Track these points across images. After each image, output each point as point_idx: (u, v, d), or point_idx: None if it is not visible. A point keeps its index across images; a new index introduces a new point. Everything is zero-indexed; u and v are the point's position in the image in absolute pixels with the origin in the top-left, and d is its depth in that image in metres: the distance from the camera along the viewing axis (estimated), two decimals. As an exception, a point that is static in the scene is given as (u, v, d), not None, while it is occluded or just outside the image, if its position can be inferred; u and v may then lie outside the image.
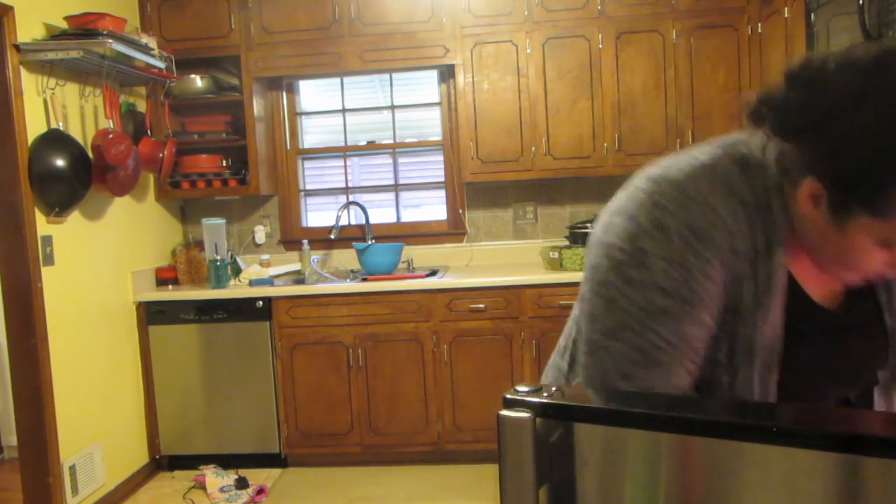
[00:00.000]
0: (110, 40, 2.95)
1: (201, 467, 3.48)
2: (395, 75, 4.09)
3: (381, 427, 3.54)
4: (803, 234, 0.90)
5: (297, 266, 3.97)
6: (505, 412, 0.77)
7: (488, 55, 3.62)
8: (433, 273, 3.73)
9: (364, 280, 3.63)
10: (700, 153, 0.93)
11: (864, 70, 0.78)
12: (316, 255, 3.98)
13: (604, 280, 0.90)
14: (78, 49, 2.89)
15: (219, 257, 3.65)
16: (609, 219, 0.93)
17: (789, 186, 0.88)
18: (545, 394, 0.78)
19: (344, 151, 4.21)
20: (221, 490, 3.28)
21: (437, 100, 4.08)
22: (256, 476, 3.51)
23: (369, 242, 3.86)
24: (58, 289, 3.00)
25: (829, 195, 0.83)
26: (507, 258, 4.00)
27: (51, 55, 2.87)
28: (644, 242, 0.87)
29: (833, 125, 0.79)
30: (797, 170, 0.86)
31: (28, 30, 2.88)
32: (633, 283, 0.87)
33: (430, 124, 4.14)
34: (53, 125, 3.01)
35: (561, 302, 3.38)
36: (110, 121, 3.17)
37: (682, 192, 0.88)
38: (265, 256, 4.01)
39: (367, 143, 4.21)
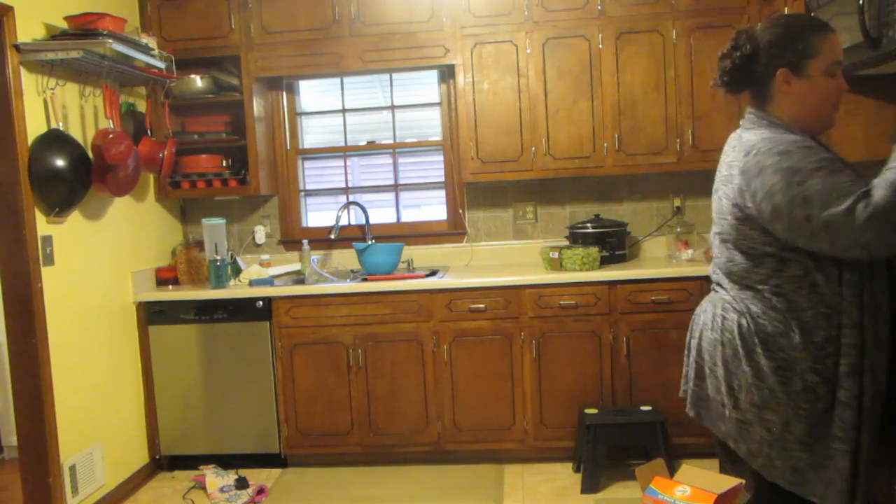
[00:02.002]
0: (110, 40, 2.95)
1: (201, 467, 3.48)
2: (395, 75, 4.09)
3: (381, 427, 3.54)
4: (802, 117, 1.67)
5: (297, 266, 3.97)
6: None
7: (488, 55, 3.62)
8: (433, 273, 3.73)
9: (364, 280, 3.63)
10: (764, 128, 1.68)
11: (768, 22, 1.72)
12: (316, 255, 3.98)
13: (779, 181, 1.54)
14: (78, 49, 2.89)
15: (219, 257, 3.65)
16: (755, 158, 1.59)
17: (773, 101, 1.69)
18: None
19: (344, 151, 4.21)
20: (221, 490, 3.28)
21: (437, 100, 4.08)
22: (256, 476, 3.51)
23: (369, 242, 3.86)
24: (58, 289, 3.00)
25: (790, 68, 1.64)
26: (507, 258, 4.01)
27: (51, 55, 2.87)
28: (794, 160, 1.55)
29: (758, 52, 1.67)
30: (770, 81, 1.67)
31: (28, 30, 2.88)
32: (812, 173, 1.51)
33: (430, 124, 4.14)
34: (53, 125, 3.01)
35: (561, 302, 3.38)
36: (110, 121, 3.17)
37: (787, 142, 1.60)
38: (265, 256, 4.01)
39: (367, 143, 4.21)
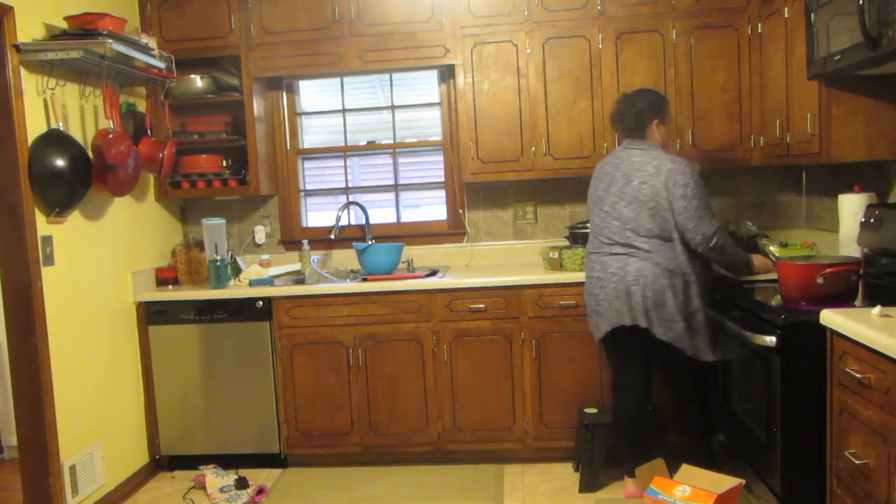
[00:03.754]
0: (110, 40, 2.95)
1: (201, 467, 3.48)
2: (395, 75, 4.09)
3: (381, 427, 3.54)
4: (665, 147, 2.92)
5: (297, 266, 3.97)
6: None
7: (488, 55, 3.62)
8: (433, 273, 3.73)
9: (364, 280, 3.63)
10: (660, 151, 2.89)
11: (637, 92, 2.99)
12: (316, 255, 3.98)
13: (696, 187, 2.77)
14: (78, 49, 2.89)
15: (219, 257, 3.65)
16: (681, 167, 2.77)
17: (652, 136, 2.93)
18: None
19: (344, 151, 4.21)
20: (221, 490, 3.29)
21: (437, 100, 4.08)
22: (256, 476, 3.51)
23: (369, 242, 3.86)
24: (58, 289, 3.00)
25: (661, 121, 2.91)
26: (507, 258, 4.01)
27: (51, 55, 2.87)
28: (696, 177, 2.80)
29: (645, 107, 2.90)
30: (650, 127, 2.91)
31: (28, 30, 2.88)
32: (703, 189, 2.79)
33: (430, 124, 4.15)
34: (53, 125, 3.01)
35: (561, 302, 3.38)
36: (110, 121, 3.17)
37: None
38: (265, 256, 4.01)
39: (367, 143, 4.21)
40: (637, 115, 2.87)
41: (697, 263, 2.84)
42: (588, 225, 3.69)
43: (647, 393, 3.01)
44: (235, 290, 3.58)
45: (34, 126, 2.90)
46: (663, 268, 2.77)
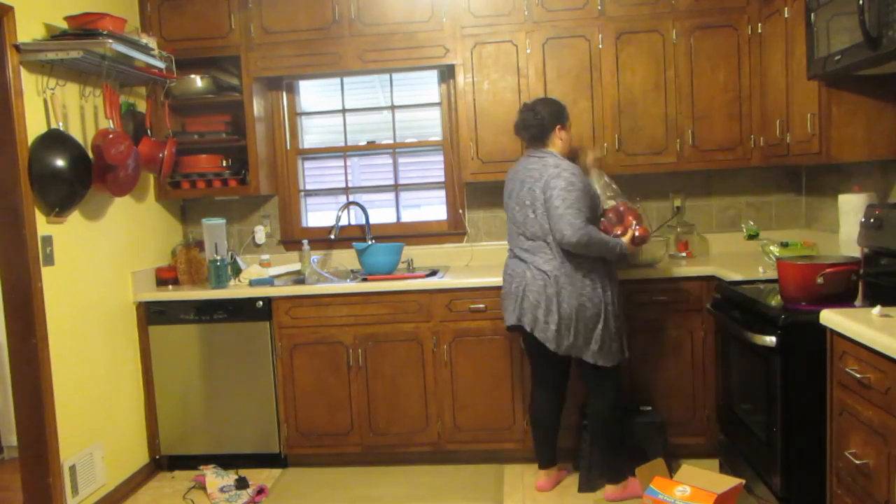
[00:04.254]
0: (110, 40, 2.95)
1: (201, 467, 3.48)
2: (395, 75, 4.09)
3: (382, 427, 3.54)
4: (564, 153, 3.05)
5: (297, 266, 3.96)
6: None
7: (488, 55, 3.62)
8: (433, 273, 3.73)
9: (364, 280, 3.63)
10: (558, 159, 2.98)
11: (538, 100, 3.10)
12: (316, 256, 3.98)
13: (567, 189, 2.83)
14: (78, 49, 2.89)
15: (219, 257, 3.65)
16: (560, 171, 2.87)
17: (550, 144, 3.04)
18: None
19: (344, 151, 4.21)
20: (221, 490, 3.29)
21: (437, 100, 4.08)
22: (256, 476, 3.51)
23: (369, 242, 3.86)
24: (58, 289, 3.00)
25: (562, 126, 3.03)
26: (507, 258, 4.00)
27: (51, 55, 2.87)
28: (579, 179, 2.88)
29: (548, 115, 3.01)
30: (553, 133, 3.02)
31: (28, 30, 2.88)
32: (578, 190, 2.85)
33: (430, 124, 4.14)
34: (53, 125, 3.01)
35: (561, 302, 3.38)
36: (110, 121, 3.17)
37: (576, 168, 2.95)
38: (265, 256, 4.01)
39: (367, 143, 4.21)
40: (541, 122, 2.99)
41: (577, 262, 2.87)
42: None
43: (563, 392, 3.15)
44: (235, 290, 3.58)
45: (34, 126, 2.90)
46: (541, 270, 2.89)
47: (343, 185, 4.23)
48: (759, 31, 3.44)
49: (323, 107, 4.23)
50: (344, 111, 4.18)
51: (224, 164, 3.89)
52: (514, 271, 3.00)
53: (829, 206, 3.48)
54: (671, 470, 2.86)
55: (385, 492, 3.30)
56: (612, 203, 3.11)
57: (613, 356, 2.94)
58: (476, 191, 4.02)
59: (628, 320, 3.31)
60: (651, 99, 3.55)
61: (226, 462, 3.56)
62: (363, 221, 4.02)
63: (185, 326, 3.57)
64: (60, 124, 3.03)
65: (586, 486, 3.17)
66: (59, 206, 3.00)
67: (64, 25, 3.02)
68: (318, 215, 4.27)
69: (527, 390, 3.43)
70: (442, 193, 4.13)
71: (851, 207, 2.89)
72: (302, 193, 4.22)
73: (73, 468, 3.02)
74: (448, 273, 3.70)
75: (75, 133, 3.15)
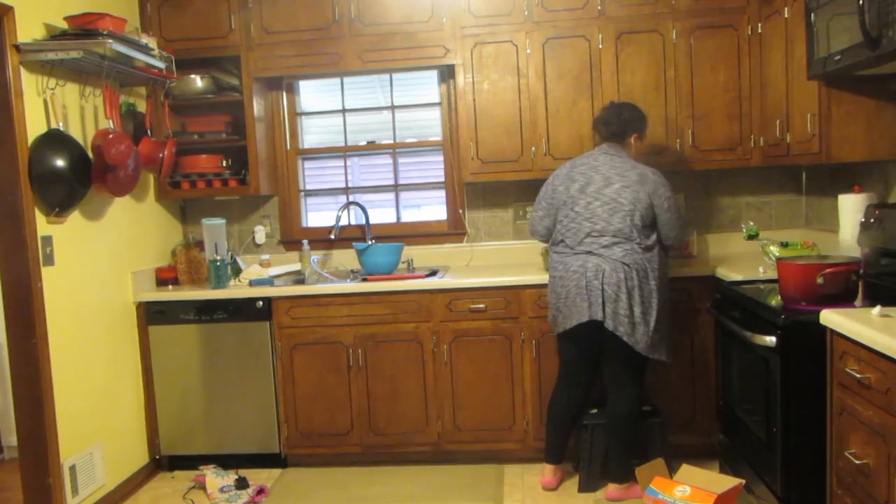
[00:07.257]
0: (110, 40, 2.95)
1: (201, 467, 3.48)
2: (395, 75, 4.09)
3: (381, 427, 3.54)
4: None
5: (297, 266, 3.97)
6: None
7: (488, 55, 3.62)
8: (433, 273, 3.73)
9: (364, 280, 3.63)
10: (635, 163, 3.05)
11: (624, 104, 3.16)
12: (316, 256, 3.98)
13: (674, 198, 3.01)
14: (78, 49, 2.89)
15: (219, 257, 3.65)
16: (662, 180, 2.99)
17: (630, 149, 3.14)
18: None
19: (344, 151, 4.21)
20: (221, 490, 3.29)
21: (437, 100, 4.08)
22: (256, 476, 3.51)
23: (369, 242, 3.86)
24: (58, 289, 3.00)
25: (640, 136, 3.14)
26: (507, 258, 4.01)
27: (51, 55, 2.87)
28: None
29: (632, 119, 3.10)
30: (630, 139, 3.11)
31: (28, 30, 2.88)
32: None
33: (430, 124, 4.15)
34: (53, 125, 3.01)
35: (561, 302, 3.38)
36: (110, 121, 3.17)
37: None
38: (265, 256, 4.01)
39: (367, 143, 4.21)
40: (623, 123, 3.05)
41: (654, 258, 2.94)
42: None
43: (589, 391, 3.19)
44: (235, 290, 3.58)
45: (34, 126, 2.90)
46: (623, 263, 2.89)
47: (343, 185, 4.23)
48: (759, 31, 3.44)
49: (323, 107, 4.23)
50: (344, 111, 4.18)
51: (224, 164, 3.89)
52: (583, 266, 2.93)
53: (829, 206, 3.48)
54: (671, 470, 2.86)
55: (385, 492, 3.30)
56: None
57: (667, 351, 3.02)
58: (476, 191, 4.02)
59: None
60: (651, 99, 3.55)
61: (226, 462, 3.56)
62: (363, 221, 4.02)
63: (185, 326, 3.57)
64: (60, 124, 3.03)
65: (586, 486, 3.17)
66: (59, 206, 3.00)
67: (64, 25, 3.02)
68: (318, 215, 4.27)
69: (527, 390, 3.43)
70: (442, 193, 4.13)
71: (851, 207, 2.89)
72: (302, 193, 4.22)
73: (72, 468, 3.03)
74: (448, 273, 3.70)
75: (75, 133, 3.15)
